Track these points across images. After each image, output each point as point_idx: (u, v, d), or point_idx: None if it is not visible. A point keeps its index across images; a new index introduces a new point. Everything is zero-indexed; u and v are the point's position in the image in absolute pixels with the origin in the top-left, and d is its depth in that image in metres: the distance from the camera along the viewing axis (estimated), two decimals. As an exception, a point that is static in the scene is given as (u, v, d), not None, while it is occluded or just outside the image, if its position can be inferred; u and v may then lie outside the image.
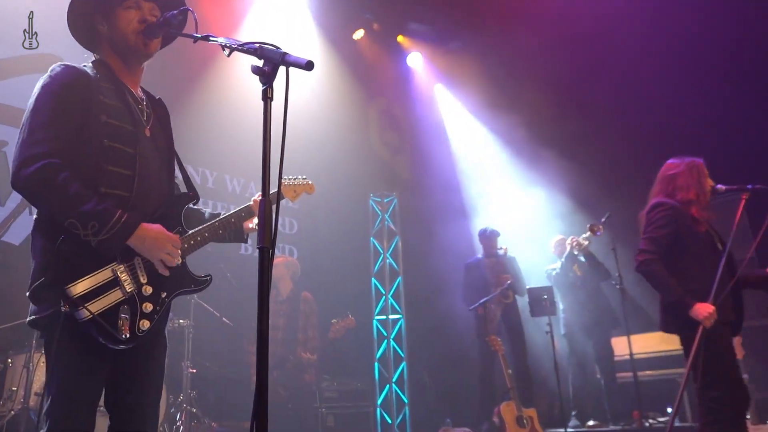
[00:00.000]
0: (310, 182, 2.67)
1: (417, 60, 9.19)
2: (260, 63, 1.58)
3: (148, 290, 1.95)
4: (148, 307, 1.93)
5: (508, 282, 6.02)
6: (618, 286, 5.63)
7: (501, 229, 6.59)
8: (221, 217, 2.25)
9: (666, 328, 3.60)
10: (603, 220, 5.90)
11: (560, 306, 6.31)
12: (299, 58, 1.54)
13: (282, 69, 1.56)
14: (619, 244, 5.77)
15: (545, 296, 5.75)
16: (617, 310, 5.89)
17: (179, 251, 2.02)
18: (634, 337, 5.66)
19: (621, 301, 5.57)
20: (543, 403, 6.89)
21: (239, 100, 6.29)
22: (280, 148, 1.49)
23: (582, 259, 6.18)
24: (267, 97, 1.52)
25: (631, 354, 5.35)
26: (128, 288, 1.90)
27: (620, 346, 5.89)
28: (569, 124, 7.31)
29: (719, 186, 3.60)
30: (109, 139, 1.96)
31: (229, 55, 1.73)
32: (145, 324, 1.91)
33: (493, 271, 6.28)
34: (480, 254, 6.55)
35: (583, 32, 7.28)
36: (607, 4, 7.14)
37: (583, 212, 7.36)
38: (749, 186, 3.51)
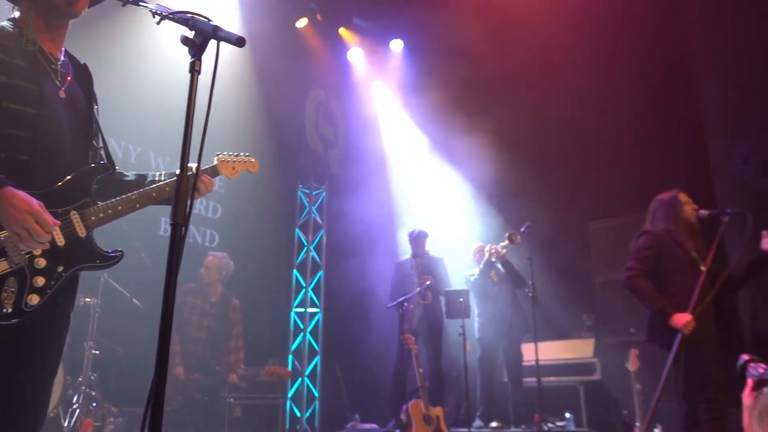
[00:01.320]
0: (252, 160, 2.43)
1: (358, 55, 9.18)
2: (191, 34, 1.53)
3: (41, 263, 1.82)
4: (40, 281, 1.81)
5: (427, 283, 6.14)
6: (531, 294, 5.84)
7: (429, 229, 6.72)
8: (142, 189, 2.07)
9: (651, 339, 3.93)
10: (522, 229, 6.12)
11: (476, 311, 6.48)
12: (230, 33, 1.51)
13: (213, 44, 1.53)
14: (535, 254, 5.99)
15: (461, 299, 5.89)
16: (529, 318, 6.12)
17: (49, 235, 1.80)
18: (542, 344, 5.90)
19: (532, 309, 5.80)
20: (451, 402, 7.06)
21: (169, 73, 6.04)
22: (203, 124, 1.45)
23: (499, 266, 6.37)
24: (195, 69, 1.49)
25: (537, 360, 5.57)
26: (17, 259, 1.77)
27: (528, 351, 6.12)
28: (501, 125, 7.42)
29: (702, 211, 4.02)
30: (7, 101, 1.83)
31: (159, 23, 1.68)
32: (34, 299, 1.79)
33: (419, 272, 6.41)
34: (409, 255, 6.66)
35: (519, 29, 7.40)
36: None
37: (502, 216, 7.58)
38: (728, 210, 3.91)
